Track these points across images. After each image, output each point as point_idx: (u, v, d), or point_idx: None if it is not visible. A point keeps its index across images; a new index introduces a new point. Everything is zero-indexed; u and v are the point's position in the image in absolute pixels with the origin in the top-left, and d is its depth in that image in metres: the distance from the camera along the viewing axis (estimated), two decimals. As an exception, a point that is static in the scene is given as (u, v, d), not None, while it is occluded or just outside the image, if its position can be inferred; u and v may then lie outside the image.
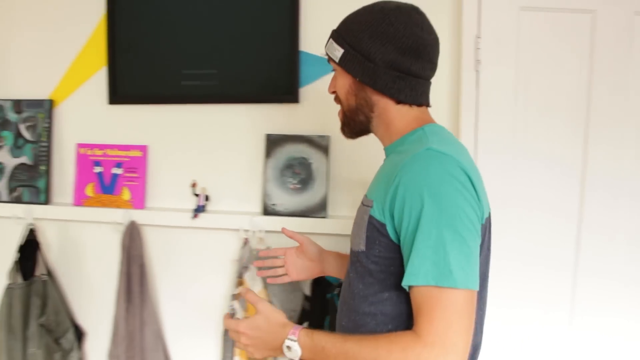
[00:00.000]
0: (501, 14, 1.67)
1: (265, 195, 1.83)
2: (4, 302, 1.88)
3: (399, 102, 1.09)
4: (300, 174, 1.82)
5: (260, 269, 1.45)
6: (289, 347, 0.99)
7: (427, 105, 1.14)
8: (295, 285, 1.82)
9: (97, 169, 1.93)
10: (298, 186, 1.82)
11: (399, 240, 0.97)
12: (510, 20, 1.68)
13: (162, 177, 1.92)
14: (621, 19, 1.68)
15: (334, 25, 1.74)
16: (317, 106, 1.82)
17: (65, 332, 1.96)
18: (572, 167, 1.74)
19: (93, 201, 1.93)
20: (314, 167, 1.81)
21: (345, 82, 1.12)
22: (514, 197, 1.75)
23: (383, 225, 0.99)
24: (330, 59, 1.14)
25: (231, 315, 1.81)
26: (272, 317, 1.05)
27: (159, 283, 1.96)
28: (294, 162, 1.82)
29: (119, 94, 1.90)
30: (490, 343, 1.44)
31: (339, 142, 1.80)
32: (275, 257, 1.44)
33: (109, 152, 1.92)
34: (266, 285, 1.78)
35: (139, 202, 1.89)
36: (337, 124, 1.73)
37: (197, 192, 1.86)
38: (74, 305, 2.05)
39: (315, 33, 1.79)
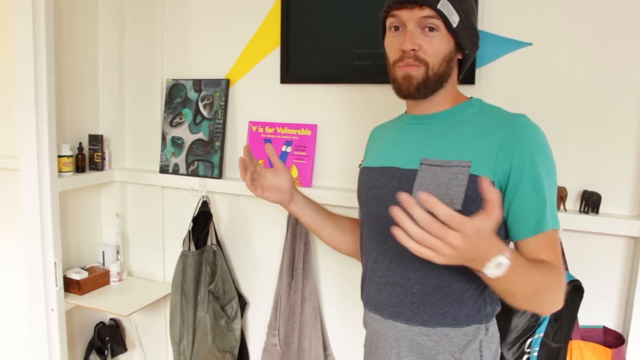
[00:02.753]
0: None
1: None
2: (178, 267, 2.06)
3: (459, 81, 1.26)
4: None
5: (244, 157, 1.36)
6: (499, 264, 0.93)
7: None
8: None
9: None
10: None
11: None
12: None
13: (330, 156, 1.98)
14: None
15: (518, 4, 1.69)
16: (495, 88, 1.75)
17: (231, 300, 2.10)
18: None
19: (262, 177, 2.04)
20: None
21: (446, 48, 1.14)
22: None
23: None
24: (436, 17, 1.11)
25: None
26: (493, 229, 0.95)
27: (321, 260, 2.03)
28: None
29: (291, 73, 1.99)
30: None
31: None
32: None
33: (280, 130, 2.02)
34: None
35: (306, 180, 1.96)
36: (515, 106, 1.70)
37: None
38: (238, 275, 2.20)
39: (496, 11, 1.72)
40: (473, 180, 1.07)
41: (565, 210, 1.69)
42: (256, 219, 2.14)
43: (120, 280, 2.35)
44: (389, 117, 1.85)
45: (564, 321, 1.62)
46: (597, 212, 1.66)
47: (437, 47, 1.13)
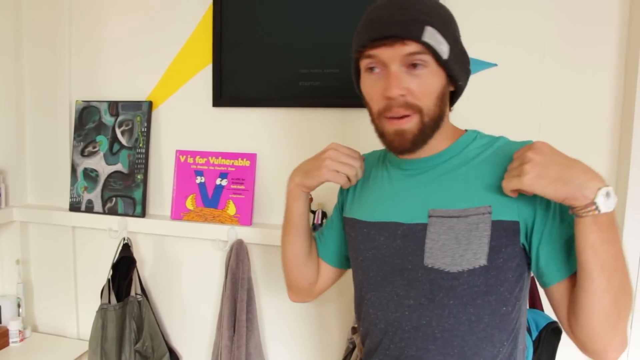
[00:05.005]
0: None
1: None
2: (97, 324, 1.77)
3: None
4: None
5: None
6: (608, 193, 0.83)
7: None
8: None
9: (199, 179, 1.79)
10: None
11: (526, 238, 0.96)
12: None
13: (272, 189, 1.77)
14: None
15: (480, 19, 1.57)
16: (459, 110, 1.60)
17: (161, 358, 1.83)
18: None
19: (194, 215, 1.79)
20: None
21: (438, 84, 0.96)
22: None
23: (515, 224, 0.94)
24: (423, 51, 0.92)
25: (350, 348, 1.64)
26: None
27: (266, 311, 1.80)
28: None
29: (225, 95, 1.76)
30: None
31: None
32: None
33: (213, 160, 1.78)
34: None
35: (245, 217, 1.74)
36: (487, 128, 1.58)
37: (314, 209, 1.70)
38: (169, 327, 1.93)
39: (464, 27, 1.58)
40: (497, 228, 0.94)
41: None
42: (188, 263, 1.88)
43: (22, 339, 2.00)
44: (340, 143, 1.68)
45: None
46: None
47: (428, 87, 0.95)
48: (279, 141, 1.75)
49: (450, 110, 1.09)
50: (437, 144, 1.03)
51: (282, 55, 1.69)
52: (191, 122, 1.84)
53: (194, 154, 1.81)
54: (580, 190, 0.83)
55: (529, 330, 1.53)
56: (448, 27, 0.96)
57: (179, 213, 1.81)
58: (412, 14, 0.93)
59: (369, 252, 1.08)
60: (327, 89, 1.66)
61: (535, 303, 1.59)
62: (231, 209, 1.75)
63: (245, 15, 1.72)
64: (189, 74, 1.83)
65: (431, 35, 0.92)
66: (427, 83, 0.95)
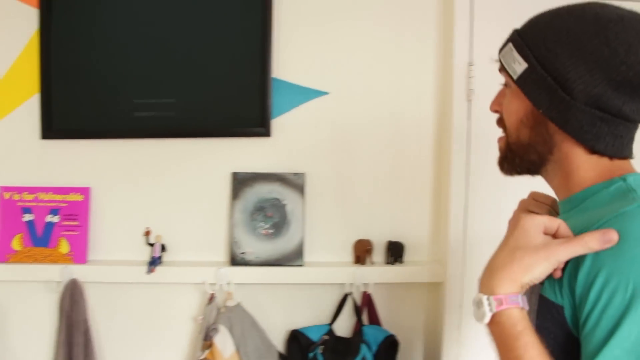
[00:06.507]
0: (496, 38, 1.62)
1: (233, 243, 1.66)
2: None
3: (593, 151, 0.82)
4: (272, 217, 1.67)
5: None
6: (478, 303, 0.76)
7: (631, 157, 0.85)
8: (269, 344, 1.65)
9: (27, 217, 1.68)
10: (271, 231, 1.67)
11: (576, 327, 0.75)
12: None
13: (108, 225, 1.71)
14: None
15: (312, 48, 1.67)
16: (291, 140, 1.69)
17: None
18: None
19: (21, 256, 1.67)
20: (289, 209, 1.67)
21: (519, 107, 0.86)
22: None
23: (559, 308, 0.77)
24: (502, 69, 0.88)
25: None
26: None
27: (106, 353, 1.71)
28: (266, 204, 1.67)
29: (55, 127, 1.68)
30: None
31: (316, 180, 1.68)
32: None
33: (42, 196, 1.68)
34: (238, 348, 1.60)
35: (80, 255, 1.66)
36: (313, 159, 1.66)
37: (152, 242, 1.67)
38: (-5, 383, 1.76)
39: (290, 58, 1.67)
40: (543, 301, 0.80)
41: (372, 263, 1.68)
42: (16, 309, 1.72)
43: None
44: (177, 175, 1.68)
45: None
46: (401, 261, 1.68)
47: (507, 108, 0.89)
48: (115, 174, 1.70)
49: (588, 148, 0.82)
50: (559, 185, 0.89)
51: (116, 85, 1.66)
52: (16, 156, 1.71)
53: (20, 189, 1.69)
54: (479, 284, 0.79)
55: (368, 345, 1.62)
56: (537, 44, 0.82)
57: (3, 255, 1.68)
58: (515, 30, 0.89)
59: None
60: (163, 119, 1.65)
61: (372, 319, 1.69)
62: (64, 247, 1.66)
63: (77, 41, 1.66)
64: (13, 103, 1.71)
65: (507, 52, 0.87)
66: (507, 104, 0.89)
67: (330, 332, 1.66)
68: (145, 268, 1.63)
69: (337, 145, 1.69)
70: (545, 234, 0.76)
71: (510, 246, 0.76)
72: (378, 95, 1.69)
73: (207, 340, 1.62)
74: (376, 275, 1.65)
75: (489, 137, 1.63)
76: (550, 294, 0.78)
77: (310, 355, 1.62)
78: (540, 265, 0.73)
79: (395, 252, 1.67)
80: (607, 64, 0.76)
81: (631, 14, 0.79)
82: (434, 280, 1.68)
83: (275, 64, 1.66)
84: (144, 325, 1.70)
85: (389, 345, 1.63)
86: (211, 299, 1.65)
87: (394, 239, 1.68)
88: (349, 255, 1.70)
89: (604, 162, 0.82)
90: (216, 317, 1.63)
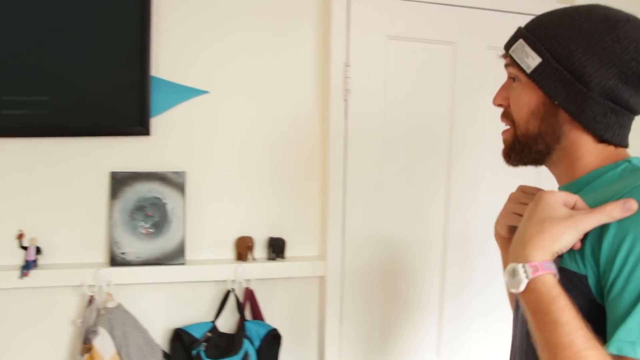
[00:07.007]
0: (370, 42, 1.70)
1: (113, 243, 1.65)
2: None
3: (601, 140, 0.90)
4: (153, 216, 1.67)
5: None
6: (512, 272, 0.81)
7: (627, 146, 0.94)
8: (152, 344, 1.65)
9: None
10: (151, 230, 1.66)
11: (600, 295, 0.80)
12: (379, 49, 1.72)
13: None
14: (477, 53, 1.79)
15: (193, 47, 1.67)
16: (171, 139, 1.69)
17: None
18: (438, 199, 1.82)
19: None
20: (169, 208, 1.67)
21: (531, 99, 0.92)
22: (382, 232, 1.77)
23: (582, 278, 0.82)
24: (511, 63, 0.94)
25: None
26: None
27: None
28: (146, 203, 1.67)
29: None
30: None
31: (197, 179, 1.69)
32: None
33: None
34: (119, 349, 1.59)
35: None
36: (194, 158, 1.67)
37: (25, 245, 1.61)
38: None
39: (170, 56, 1.67)
40: (564, 275, 0.83)
41: (254, 260, 1.71)
42: None
43: None
44: (52, 175, 1.64)
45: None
46: (283, 257, 1.72)
47: (517, 101, 0.94)
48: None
49: (597, 137, 0.90)
50: (570, 172, 0.93)
51: (-17, 81, 1.59)
52: None
53: None
54: (510, 256, 0.84)
55: (251, 340, 1.65)
56: (552, 40, 0.89)
57: None
58: (524, 26, 0.94)
59: None
60: (35, 117, 1.60)
61: (256, 314, 1.72)
62: None
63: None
64: None
65: (518, 48, 0.92)
66: (516, 96, 0.94)
67: (213, 329, 1.68)
68: (18, 273, 1.58)
69: (218, 144, 1.71)
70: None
71: (537, 218, 0.81)
72: (259, 94, 1.72)
73: (86, 343, 1.59)
74: (258, 271, 1.69)
75: (365, 136, 1.73)
76: (572, 265, 0.82)
77: (194, 352, 1.63)
78: (568, 234, 0.78)
79: (276, 248, 1.71)
80: (619, 59, 0.84)
81: (634, 16, 0.89)
82: (315, 275, 1.74)
83: (154, 62, 1.65)
84: (20, 332, 1.64)
85: (272, 339, 1.68)
86: (90, 301, 1.62)
87: (275, 236, 1.72)
88: (231, 253, 1.73)
89: (608, 149, 0.90)
90: (96, 320, 1.61)
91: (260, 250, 1.73)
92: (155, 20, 1.65)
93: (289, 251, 1.74)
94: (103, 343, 1.59)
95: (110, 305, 1.63)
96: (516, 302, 1.00)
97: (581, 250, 0.82)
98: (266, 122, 1.73)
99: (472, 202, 1.84)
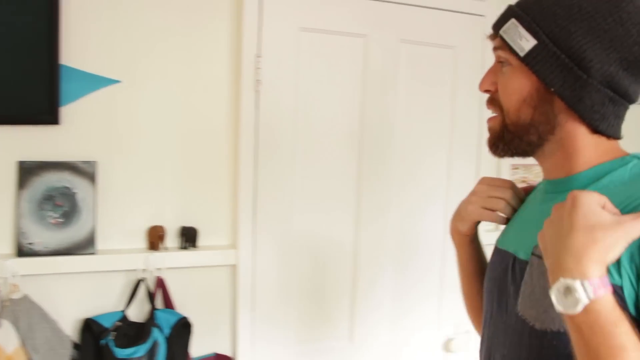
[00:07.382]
0: (282, 33, 1.74)
1: (20, 234, 1.63)
2: None
3: (596, 131, 0.82)
4: (62, 206, 1.66)
5: None
6: (566, 290, 0.68)
7: (620, 138, 0.86)
8: (61, 335, 1.64)
9: None
10: (61, 220, 1.65)
11: (635, 306, 0.71)
12: (291, 41, 1.76)
13: None
14: (389, 45, 1.85)
15: (104, 35, 1.67)
16: (81, 128, 1.68)
17: None
18: (348, 187, 1.87)
19: None
20: (79, 198, 1.66)
21: (523, 86, 0.83)
22: (294, 221, 1.82)
23: (618, 289, 0.70)
24: (501, 46, 0.85)
25: None
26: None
27: None
28: (55, 193, 1.65)
29: None
30: None
31: (108, 168, 1.69)
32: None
33: None
34: (24, 341, 1.57)
35: None
36: (105, 148, 1.67)
37: None
38: None
39: (80, 44, 1.66)
40: None
41: (166, 249, 1.72)
42: None
43: None
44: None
45: (176, 357, 1.66)
46: (195, 246, 1.74)
47: (507, 87, 0.85)
48: None
49: (590, 127, 0.83)
50: (567, 165, 0.86)
51: None
52: None
53: None
54: (552, 268, 0.72)
55: (160, 328, 1.66)
56: (549, 21, 0.80)
57: None
58: (516, 3, 0.86)
59: (488, 282, 0.98)
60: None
61: (167, 303, 1.73)
62: None
63: None
64: None
65: (510, 28, 0.83)
66: (506, 82, 0.86)
67: (123, 319, 1.68)
68: None
69: (130, 134, 1.71)
70: None
71: (583, 226, 0.69)
72: (172, 84, 1.73)
73: (-11, 334, 1.57)
74: (169, 260, 1.70)
75: (277, 126, 1.76)
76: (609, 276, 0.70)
77: (103, 342, 1.63)
78: (620, 244, 0.68)
79: (188, 237, 1.73)
80: (621, 43, 0.77)
81: None
82: (227, 263, 1.76)
83: (64, 51, 1.64)
84: None
85: (182, 328, 1.69)
86: (-6, 292, 1.60)
87: (188, 225, 1.74)
88: (143, 242, 1.74)
89: (602, 141, 0.83)
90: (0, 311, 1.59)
91: (172, 239, 1.75)
92: (65, 8, 1.63)
93: (201, 240, 1.76)
94: (5, 335, 1.56)
95: (16, 296, 1.61)
96: (488, 283, 0.97)
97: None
98: (179, 113, 1.74)
99: (383, 188, 1.90)
